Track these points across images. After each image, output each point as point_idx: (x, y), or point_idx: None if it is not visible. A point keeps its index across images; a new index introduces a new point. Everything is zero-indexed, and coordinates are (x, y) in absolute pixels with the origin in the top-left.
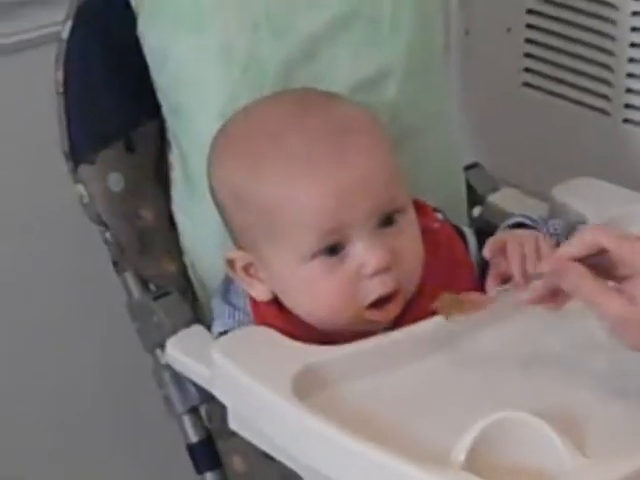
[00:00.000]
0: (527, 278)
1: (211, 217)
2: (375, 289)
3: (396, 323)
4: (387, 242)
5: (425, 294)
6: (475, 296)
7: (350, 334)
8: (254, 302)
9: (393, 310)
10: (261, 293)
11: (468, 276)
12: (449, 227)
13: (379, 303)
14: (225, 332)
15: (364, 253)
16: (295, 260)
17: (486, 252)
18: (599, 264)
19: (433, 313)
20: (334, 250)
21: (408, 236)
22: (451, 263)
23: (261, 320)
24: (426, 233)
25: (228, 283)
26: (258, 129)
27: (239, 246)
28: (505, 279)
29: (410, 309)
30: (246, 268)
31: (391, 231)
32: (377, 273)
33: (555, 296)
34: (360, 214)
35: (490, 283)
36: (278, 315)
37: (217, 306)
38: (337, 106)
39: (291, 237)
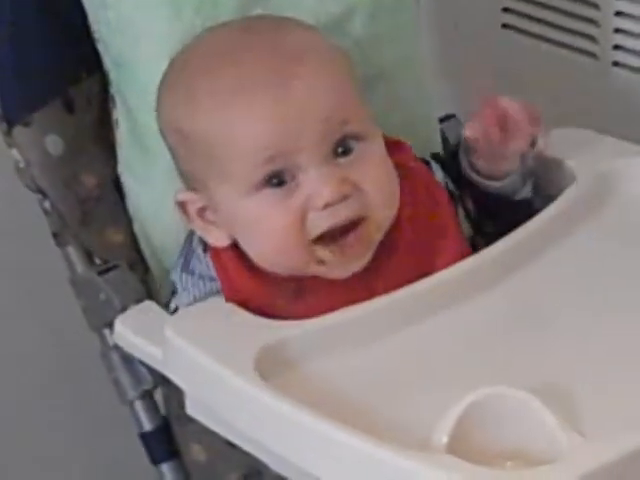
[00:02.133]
0: None
1: (165, 177)
2: (324, 220)
3: (374, 269)
4: (343, 172)
5: (404, 235)
6: None
7: (319, 283)
8: (215, 254)
9: (352, 245)
10: (218, 238)
11: (450, 215)
12: (424, 167)
13: (333, 238)
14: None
15: (315, 182)
16: (240, 195)
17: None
18: None
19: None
20: (282, 181)
21: (371, 165)
22: (431, 202)
23: (225, 277)
24: (402, 169)
25: (188, 252)
26: (197, 59)
27: (188, 187)
28: None
29: (389, 250)
30: (200, 212)
31: (348, 160)
32: (329, 205)
33: None
34: (306, 139)
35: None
36: (239, 265)
37: (178, 279)
38: (286, 32)
39: (232, 170)
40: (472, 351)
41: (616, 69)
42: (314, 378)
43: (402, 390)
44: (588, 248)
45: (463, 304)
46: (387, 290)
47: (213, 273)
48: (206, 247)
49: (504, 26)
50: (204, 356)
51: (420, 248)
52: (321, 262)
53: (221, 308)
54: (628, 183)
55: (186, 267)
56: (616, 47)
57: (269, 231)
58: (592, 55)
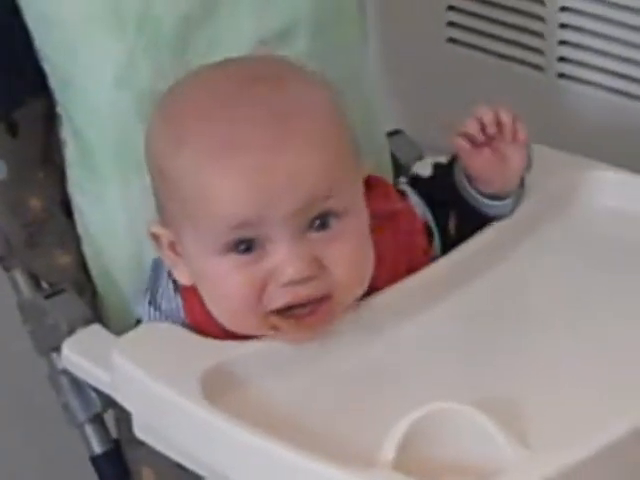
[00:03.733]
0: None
1: (115, 195)
2: (283, 296)
3: None
4: (314, 249)
5: (380, 285)
6: None
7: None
8: (187, 295)
9: (309, 319)
10: (184, 276)
11: (427, 261)
12: (408, 204)
13: (290, 311)
14: None
15: (282, 257)
16: (207, 250)
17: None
18: None
19: None
20: (249, 248)
21: (345, 244)
22: (410, 249)
23: (192, 319)
24: (387, 216)
25: (155, 287)
26: (191, 103)
27: (162, 222)
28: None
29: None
30: (171, 246)
31: (322, 236)
32: (291, 283)
33: None
34: (281, 211)
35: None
36: (207, 311)
37: (145, 312)
38: (288, 85)
39: (203, 225)
40: (422, 365)
41: (562, 81)
42: (260, 397)
43: (348, 407)
44: (537, 261)
45: (411, 320)
46: None
47: (181, 314)
48: (177, 286)
49: (449, 40)
50: (150, 377)
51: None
52: (274, 328)
53: (167, 330)
54: (578, 196)
55: (154, 302)
56: (561, 59)
57: (228, 294)
58: (538, 67)
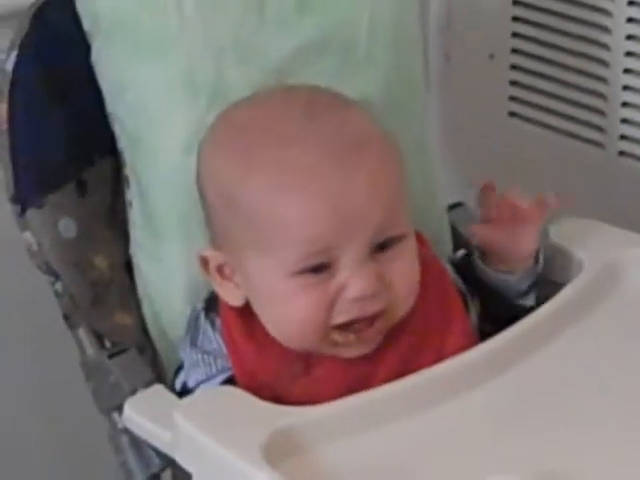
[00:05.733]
0: None
1: (177, 257)
2: (351, 312)
3: (384, 347)
4: (378, 268)
5: (414, 318)
6: None
7: (327, 360)
8: (226, 328)
9: (368, 333)
10: (233, 297)
11: (458, 307)
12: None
13: (351, 326)
14: (200, 383)
15: (351, 274)
16: (277, 273)
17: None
18: None
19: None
20: (319, 269)
21: (403, 262)
22: (441, 295)
23: (234, 350)
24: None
25: (195, 330)
26: (260, 127)
27: (216, 245)
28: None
29: (399, 330)
30: (219, 268)
31: (385, 256)
32: (360, 299)
33: None
34: (354, 241)
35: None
36: (248, 339)
37: (187, 355)
38: (352, 117)
39: (277, 251)
40: (478, 439)
41: (623, 159)
42: (322, 464)
43: (411, 476)
44: (593, 338)
45: (470, 393)
46: (394, 369)
47: (222, 349)
48: (214, 325)
49: (511, 114)
50: (212, 441)
51: (428, 330)
52: (335, 344)
53: (230, 393)
54: (635, 274)
55: (194, 343)
56: (622, 137)
57: (296, 311)
58: (599, 145)
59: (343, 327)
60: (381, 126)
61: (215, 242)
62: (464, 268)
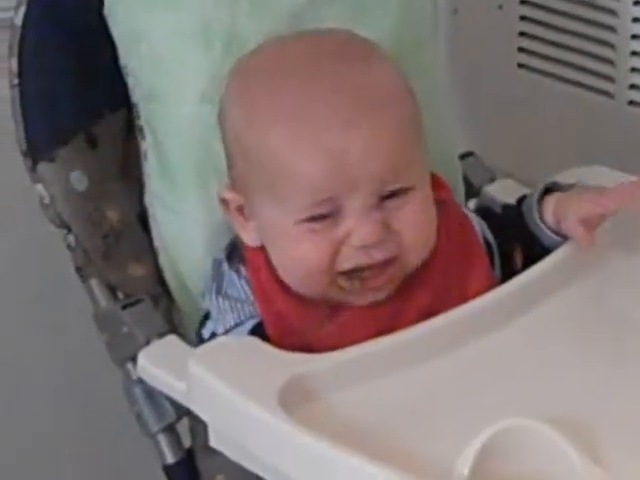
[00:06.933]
0: None
1: (195, 206)
2: (356, 259)
3: (407, 295)
4: (384, 216)
5: (436, 263)
6: None
7: (351, 308)
8: (254, 274)
9: (374, 281)
10: (250, 238)
11: (480, 253)
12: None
13: (357, 273)
14: (229, 330)
15: (357, 221)
16: (286, 219)
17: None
18: None
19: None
20: (326, 217)
21: (413, 212)
22: (463, 239)
23: (262, 296)
24: (439, 203)
25: (219, 278)
26: (279, 74)
27: (235, 188)
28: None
29: (422, 277)
30: (239, 209)
31: (393, 205)
32: (365, 246)
33: None
34: (357, 192)
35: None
36: (276, 286)
37: (214, 304)
38: (374, 70)
39: (285, 198)
40: (493, 384)
41: (632, 108)
42: (337, 410)
43: (425, 422)
44: (611, 283)
45: (485, 337)
46: (419, 316)
47: (249, 296)
48: (239, 273)
49: (520, 65)
50: (227, 389)
51: (451, 275)
52: (341, 289)
53: (244, 342)
54: None
55: (220, 291)
56: (632, 86)
57: (302, 256)
58: (608, 95)
59: (349, 274)
60: (403, 78)
61: (234, 185)
62: (506, 221)
